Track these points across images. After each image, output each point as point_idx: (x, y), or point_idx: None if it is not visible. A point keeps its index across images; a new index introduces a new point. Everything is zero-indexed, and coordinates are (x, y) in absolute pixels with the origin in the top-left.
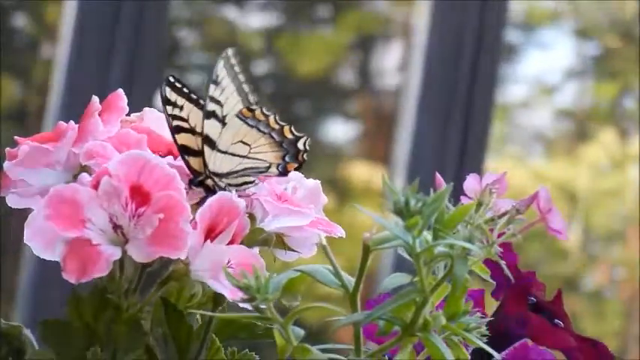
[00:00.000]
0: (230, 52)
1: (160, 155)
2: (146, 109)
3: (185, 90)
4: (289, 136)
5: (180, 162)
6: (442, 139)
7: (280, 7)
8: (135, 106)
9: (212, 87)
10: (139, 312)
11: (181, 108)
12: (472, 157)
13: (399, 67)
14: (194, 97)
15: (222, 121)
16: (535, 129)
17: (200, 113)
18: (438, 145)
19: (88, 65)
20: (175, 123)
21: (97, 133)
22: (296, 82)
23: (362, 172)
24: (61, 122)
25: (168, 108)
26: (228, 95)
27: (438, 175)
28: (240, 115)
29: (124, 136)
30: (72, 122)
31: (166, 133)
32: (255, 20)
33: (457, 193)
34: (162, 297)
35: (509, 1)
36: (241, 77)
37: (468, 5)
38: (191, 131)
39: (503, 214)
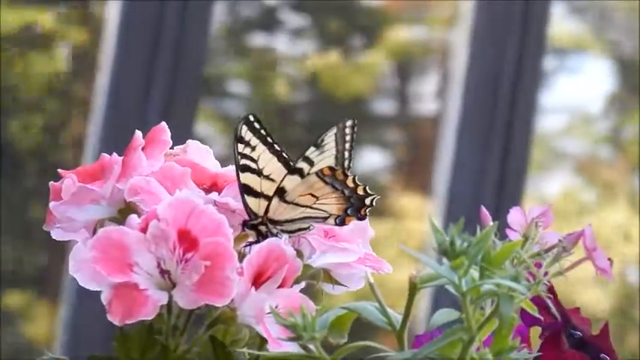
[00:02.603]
0: (349, 122)
1: (204, 188)
2: (189, 141)
3: (262, 132)
4: (361, 193)
5: (225, 199)
6: (481, 166)
7: (316, 34)
8: (173, 134)
9: (312, 149)
10: (186, 353)
11: (253, 148)
12: (511, 185)
13: (437, 93)
14: (269, 140)
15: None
16: (573, 157)
17: (271, 156)
18: (477, 173)
19: (127, 94)
20: (243, 162)
21: (140, 168)
22: (333, 110)
23: (405, 201)
24: (105, 155)
25: (240, 146)
26: (323, 158)
27: (483, 209)
28: (319, 173)
29: (168, 170)
30: (115, 155)
31: (210, 165)
32: (292, 47)
33: (498, 223)
34: (212, 335)
35: (548, 27)
36: (347, 145)
37: (508, 32)
38: (257, 172)
39: (550, 248)
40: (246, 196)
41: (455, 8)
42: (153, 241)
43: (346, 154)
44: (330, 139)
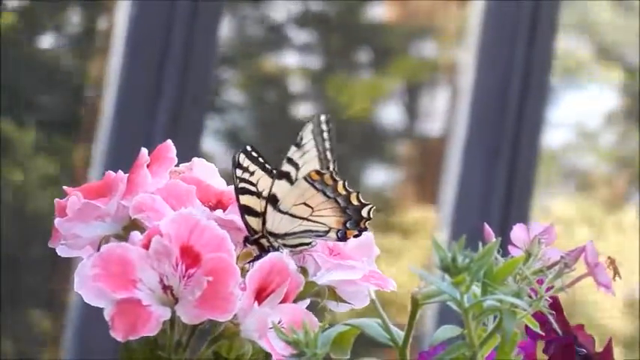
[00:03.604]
0: (323, 117)
1: (210, 206)
2: (195, 159)
3: (260, 159)
4: (355, 202)
5: (230, 216)
6: (488, 182)
7: (323, 51)
8: (180, 151)
9: (293, 149)
10: None
11: (252, 173)
12: (518, 200)
13: (445, 110)
14: (268, 167)
15: (293, 184)
16: (578, 173)
17: (271, 181)
18: (484, 188)
19: (134, 110)
20: (242, 185)
21: (146, 185)
22: (340, 126)
23: (411, 215)
24: (110, 172)
25: (239, 171)
26: (307, 160)
27: (486, 226)
28: (308, 178)
29: (173, 188)
30: (121, 172)
31: (216, 183)
32: (298, 62)
33: (503, 240)
34: (215, 351)
35: (554, 44)
36: (327, 144)
37: (514, 49)
38: (257, 194)
39: (553, 265)
40: (247, 216)
41: (462, 25)
42: (155, 257)
43: (328, 154)
44: (308, 136)
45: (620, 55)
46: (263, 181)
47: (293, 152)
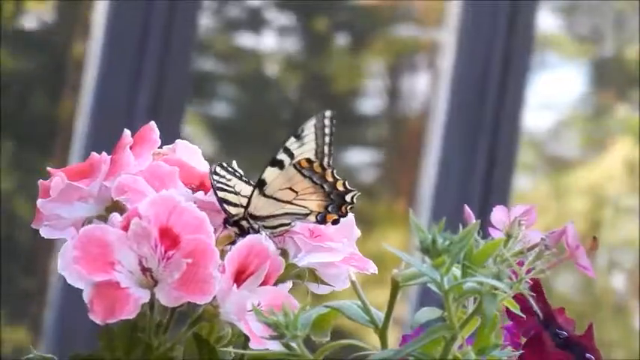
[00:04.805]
0: (328, 113)
1: (192, 188)
2: (178, 141)
3: (237, 173)
4: (340, 188)
5: (211, 198)
6: (468, 165)
7: (303, 33)
8: (160, 136)
9: (292, 139)
10: (170, 350)
11: (229, 179)
12: (498, 183)
13: (425, 92)
14: (244, 179)
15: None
16: (555, 154)
17: (248, 186)
18: (463, 170)
19: (115, 95)
20: (219, 185)
21: (128, 166)
22: (322, 108)
23: (387, 199)
24: (94, 154)
25: (215, 177)
26: (304, 151)
27: (467, 208)
28: (296, 165)
29: (156, 169)
30: (105, 154)
31: (198, 165)
32: (275, 46)
33: (484, 222)
34: (195, 333)
35: (534, 25)
36: (327, 139)
37: (495, 30)
38: (234, 193)
39: (533, 247)
40: (225, 205)
41: (442, 7)
42: (134, 239)
43: (326, 149)
44: (309, 130)
45: (595, 36)
46: (240, 185)
47: (291, 143)
